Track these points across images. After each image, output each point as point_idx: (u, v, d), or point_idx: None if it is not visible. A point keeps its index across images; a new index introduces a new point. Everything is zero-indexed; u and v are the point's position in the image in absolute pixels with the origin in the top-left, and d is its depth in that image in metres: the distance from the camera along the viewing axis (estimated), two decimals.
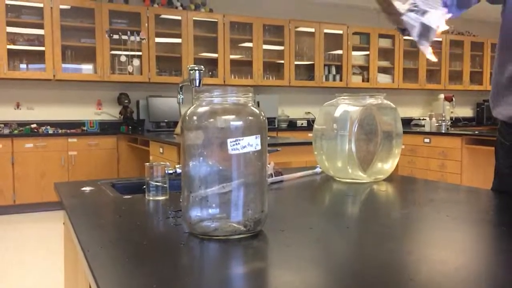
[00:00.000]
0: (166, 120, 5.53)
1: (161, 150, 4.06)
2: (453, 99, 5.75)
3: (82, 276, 1.02)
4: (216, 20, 5.79)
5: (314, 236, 0.85)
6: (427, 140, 5.29)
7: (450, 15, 1.12)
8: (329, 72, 6.59)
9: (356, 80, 6.71)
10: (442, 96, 6.60)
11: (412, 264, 0.70)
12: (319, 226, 0.94)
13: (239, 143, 0.77)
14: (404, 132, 1.46)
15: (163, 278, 0.62)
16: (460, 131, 5.22)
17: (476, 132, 5.00)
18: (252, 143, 0.78)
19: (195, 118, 0.81)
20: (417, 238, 0.88)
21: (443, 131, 5.39)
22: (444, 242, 0.82)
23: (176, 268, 0.69)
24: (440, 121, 5.67)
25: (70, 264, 1.30)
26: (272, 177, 1.37)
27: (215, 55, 5.86)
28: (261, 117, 0.82)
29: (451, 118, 6.24)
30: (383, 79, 6.86)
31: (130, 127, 5.45)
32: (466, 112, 7.82)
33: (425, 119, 6.04)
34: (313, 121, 1.84)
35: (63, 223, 1.26)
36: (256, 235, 0.82)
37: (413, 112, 7.38)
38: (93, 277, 0.63)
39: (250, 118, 0.81)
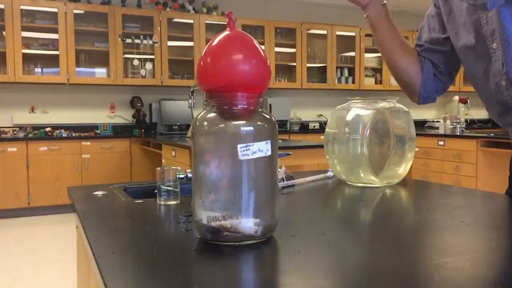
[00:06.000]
0: (178, 123, 5.56)
1: (173, 153, 4.08)
2: (468, 101, 5.67)
3: (94, 280, 1.02)
4: None
5: (326, 243, 0.84)
6: (441, 143, 5.22)
7: None
8: (341, 74, 6.56)
9: (369, 82, 6.66)
10: (456, 97, 6.53)
11: (425, 271, 0.69)
12: (331, 232, 0.93)
13: (249, 149, 0.76)
14: (418, 134, 1.44)
15: (172, 286, 0.62)
16: (475, 133, 5.15)
17: (492, 134, 4.92)
18: (262, 148, 0.77)
19: (205, 123, 0.81)
20: (430, 245, 0.86)
21: (458, 133, 5.32)
22: (458, 249, 0.80)
23: (186, 275, 0.69)
24: (454, 123, 5.59)
25: (83, 267, 1.31)
26: (283, 181, 1.36)
27: None
28: (272, 122, 0.82)
29: (466, 120, 6.16)
30: None
31: (143, 130, 5.48)
32: (481, 114, 7.69)
33: (439, 121, 5.97)
34: (326, 123, 1.83)
35: (76, 227, 1.27)
36: (267, 241, 0.81)
37: (427, 114, 7.30)
38: (104, 284, 0.63)
39: (260, 123, 0.81)
